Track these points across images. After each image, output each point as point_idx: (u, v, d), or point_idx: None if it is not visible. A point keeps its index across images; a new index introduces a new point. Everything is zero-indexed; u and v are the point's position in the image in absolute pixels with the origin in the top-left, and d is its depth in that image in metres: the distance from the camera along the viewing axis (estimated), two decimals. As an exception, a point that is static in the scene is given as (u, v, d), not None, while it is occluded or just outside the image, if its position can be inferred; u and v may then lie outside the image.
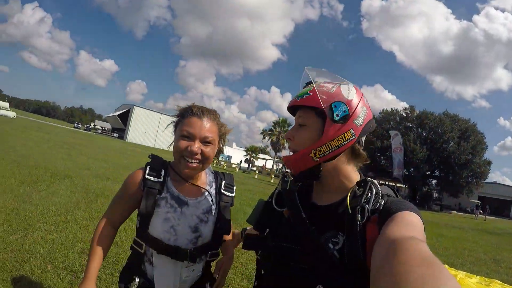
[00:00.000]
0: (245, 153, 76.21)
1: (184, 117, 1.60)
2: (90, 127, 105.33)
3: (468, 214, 47.25)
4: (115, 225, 1.70)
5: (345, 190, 1.20)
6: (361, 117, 1.19)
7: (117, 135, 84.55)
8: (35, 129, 32.45)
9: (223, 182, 1.78)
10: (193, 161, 1.54)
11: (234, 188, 1.84)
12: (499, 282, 2.32)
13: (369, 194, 1.10)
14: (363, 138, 1.25)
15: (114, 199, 1.70)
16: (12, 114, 57.96)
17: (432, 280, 0.57)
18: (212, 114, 1.64)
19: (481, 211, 43.21)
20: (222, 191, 1.75)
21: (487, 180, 55.59)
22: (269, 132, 65.32)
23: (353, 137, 1.17)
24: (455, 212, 50.00)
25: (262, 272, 1.35)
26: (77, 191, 8.27)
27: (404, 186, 50.40)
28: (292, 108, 1.33)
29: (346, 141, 1.17)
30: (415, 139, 47.79)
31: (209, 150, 1.58)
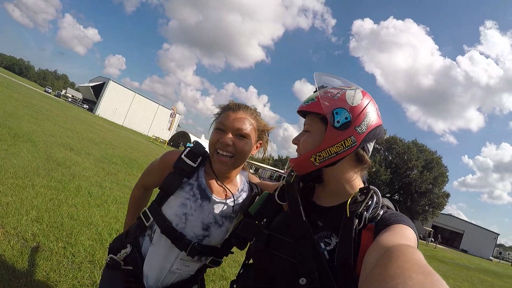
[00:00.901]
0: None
1: (221, 112, 1.61)
2: (61, 93, 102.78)
3: (420, 241, 48.26)
4: (148, 187, 1.87)
5: (346, 195, 1.21)
6: (365, 124, 1.20)
7: (87, 106, 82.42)
8: (4, 86, 31.35)
9: (258, 198, 1.63)
10: (225, 153, 1.52)
11: None
12: None
13: (370, 202, 1.12)
14: (370, 145, 1.27)
15: (149, 167, 1.79)
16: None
17: None
18: (250, 109, 1.63)
19: (433, 239, 45.31)
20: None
21: (443, 211, 58.89)
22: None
23: (354, 144, 1.19)
24: None
25: (251, 261, 1.39)
26: (39, 157, 8.02)
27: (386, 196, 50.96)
28: (301, 113, 1.35)
29: (346, 148, 1.19)
30: (380, 161, 49.39)
31: (243, 144, 1.55)
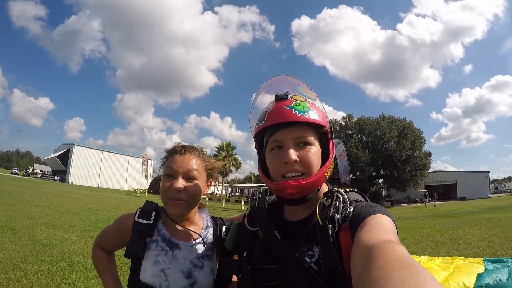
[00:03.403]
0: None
1: (168, 156, 1.59)
2: (29, 171, 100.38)
3: (418, 204, 49.90)
4: (106, 250, 1.73)
5: (315, 203, 1.20)
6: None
7: (58, 178, 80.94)
8: (-32, 179, 30.52)
9: (224, 228, 1.68)
10: (178, 200, 1.49)
11: None
12: (461, 257, 2.47)
13: (337, 203, 1.14)
14: None
15: (105, 232, 1.73)
16: None
17: (413, 283, 0.57)
18: (196, 150, 1.62)
19: (430, 199, 45.97)
20: (222, 236, 1.64)
21: (430, 170, 59.64)
22: (214, 158, 65.19)
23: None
24: (406, 204, 52.58)
25: None
26: (23, 243, 7.84)
27: (353, 189, 51.04)
28: (289, 123, 1.19)
29: (335, 157, 1.24)
30: (356, 145, 50.05)
31: (194, 185, 1.52)
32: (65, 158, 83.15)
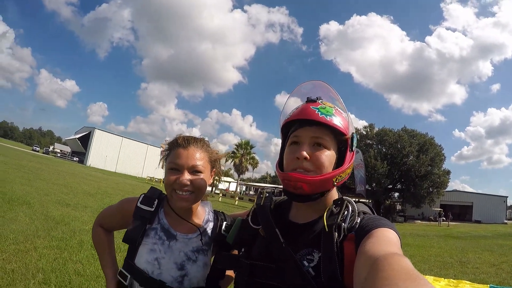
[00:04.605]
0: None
1: (171, 150, 1.59)
2: (49, 150, 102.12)
3: (431, 222, 49.35)
4: (106, 229, 1.77)
5: (322, 209, 1.21)
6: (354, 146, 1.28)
7: (77, 159, 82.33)
8: (-10, 151, 31.24)
9: (224, 223, 1.67)
10: (184, 193, 1.50)
11: None
12: (467, 282, 2.43)
13: (346, 212, 1.14)
14: None
15: (107, 212, 1.76)
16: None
17: None
18: (200, 142, 1.61)
19: (444, 218, 45.11)
20: (222, 232, 1.63)
21: (448, 189, 58.22)
22: (232, 155, 65.10)
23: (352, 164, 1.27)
24: (419, 221, 51.89)
25: None
26: (36, 218, 8.01)
27: (367, 201, 50.63)
28: (311, 121, 1.23)
29: (351, 169, 1.25)
30: (375, 155, 49.37)
31: (200, 179, 1.54)
32: (85, 140, 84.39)
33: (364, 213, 1.18)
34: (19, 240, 5.94)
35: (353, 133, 1.26)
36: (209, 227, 1.68)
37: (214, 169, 1.69)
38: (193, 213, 1.65)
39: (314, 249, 1.15)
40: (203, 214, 1.71)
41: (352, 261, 0.97)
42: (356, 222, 1.11)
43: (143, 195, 1.63)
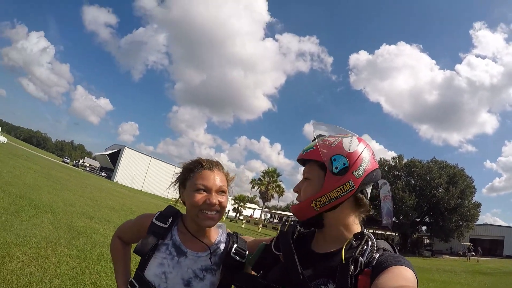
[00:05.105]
0: (233, 202, 74.90)
1: (195, 171, 1.65)
2: (79, 163, 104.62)
3: (460, 257, 47.01)
4: (124, 241, 1.86)
5: (343, 241, 1.21)
6: (362, 168, 1.25)
7: (105, 174, 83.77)
8: (23, 158, 32.14)
9: (235, 246, 1.71)
10: (212, 212, 1.58)
11: (246, 253, 1.73)
12: None
13: (365, 247, 1.13)
14: (368, 189, 1.31)
15: (125, 225, 1.86)
16: (2, 139, 57.69)
17: None
18: (219, 165, 1.71)
19: (473, 253, 43.10)
20: (231, 254, 1.67)
21: (478, 222, 55.85)
22: (258, 182, 65.19)
23: (352, 188, 1.23)
24: (447, 256, 49.81)
25: None
26: (60, 227, 8.12)
27: (394, 234, 50.33)
28: (301, 161, 1.41)
29: (345, 192, 1.23)
30: (403, 187, 48.38)
31: (225, 199, 1.63)
32: (115, 157, 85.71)
33: (385, 249, 1.18)
34: (41, 245, 6.00)
35: (337, 154, 1.26)
36: (220, 248, 1.73)
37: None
38: (206, 233, 1.71)
39: (330, 279, 1.15)
40: (216, 235, 1.77)
41: None
42: (374, 257, 1.11)
43: (160, 212, 1.71)
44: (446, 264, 29.19)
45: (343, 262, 1.10)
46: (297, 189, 1.37)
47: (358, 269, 1.07)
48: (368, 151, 1.30)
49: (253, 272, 1.55)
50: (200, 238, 1.66)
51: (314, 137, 1.36)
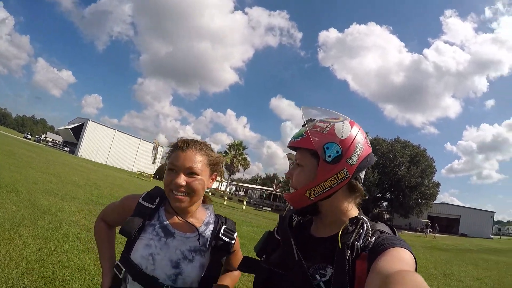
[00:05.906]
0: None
1: (172, 151, 1.62)
2: (41, 138, 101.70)
3: (418, 233, 49.43)
4: (111, 225, 1.86)
5: (341, 225, 1.21)
6: (355, 155, 1.23)
7: (69, 149, 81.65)
8: (-19, 136, 30.99)
9: (223, 227, 1.70)
10: (179, 193, 1.54)
11: (235, 235, 1.73)
12: None
13: (361, 231, 1.14)
14: (362, 173, 1.30)
15: (110, 207, 1.85)
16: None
17: None
18: (199, 145, 1.64)
19: (431, 229, 45.24)
20: (220, 235, 1.66)
21: (436, 201, 58.89)
22: (224, 155, 65.47)
23: (347, 176, 1.22)
24: (406, 231, 51.83)
25: None
26: (23, 206, 7.94)
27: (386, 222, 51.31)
28: (292, 148, 1.37)
29: (340, 181, 1.22)
30: None
31: (196, 182, 1.56)
32: (78, 131, 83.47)
33: (382, 232, 1.18)
34: (4, 228, 5.87)
35: (329, 142, 1.23)
36: (209, 229, 1.70)
37: (216, 173, 1.72)
38: (193, 214, 1.69)
39: (328, 264, 1.16)
40: (203, 216, 1.74)
41: (363, 280, 0.98)
42: (370, 241, 1.11)
43: (146, 192, 1.69)
44: (405, 239, 29.51)
45: (340, 247, 1.11)
46: (289, 175, 1.35)
47: (354, 254, 1.09)
48: (362, 136, 1.28)
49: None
50: (187, 219, 1.65)
51: (304, 123, 1.34)
